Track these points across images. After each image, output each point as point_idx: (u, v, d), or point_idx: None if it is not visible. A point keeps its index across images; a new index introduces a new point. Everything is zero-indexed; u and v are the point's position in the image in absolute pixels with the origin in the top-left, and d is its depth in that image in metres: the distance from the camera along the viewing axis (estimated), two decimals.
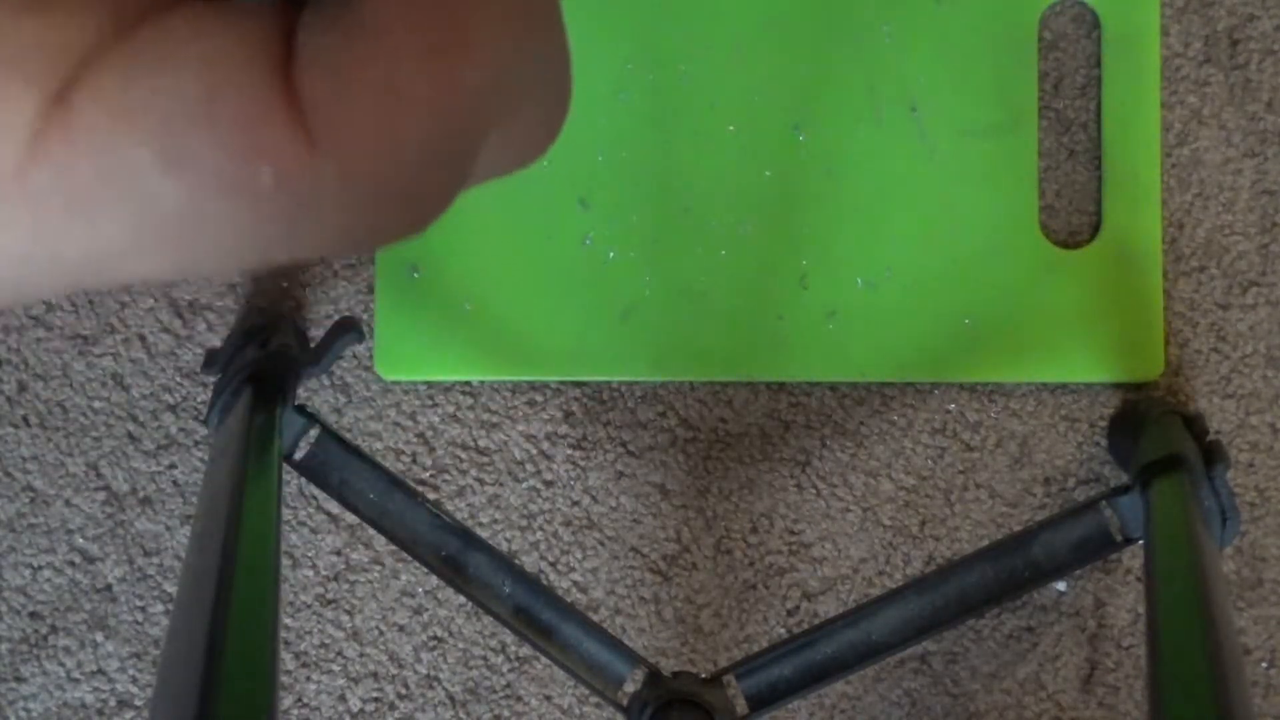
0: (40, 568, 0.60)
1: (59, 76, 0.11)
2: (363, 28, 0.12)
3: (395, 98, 0.12)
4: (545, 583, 0.59)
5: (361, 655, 0.60)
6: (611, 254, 0.58)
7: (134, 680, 0.60)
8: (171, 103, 0.12)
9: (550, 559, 0.60)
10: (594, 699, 0.59)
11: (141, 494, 0.60)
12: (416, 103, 0.12)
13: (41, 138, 0.12)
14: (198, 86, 0.12)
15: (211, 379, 0.58)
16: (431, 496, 0.59)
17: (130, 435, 0.60)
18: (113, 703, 0.60)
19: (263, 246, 0.13)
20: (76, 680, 0.60)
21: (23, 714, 0.60)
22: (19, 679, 0.60)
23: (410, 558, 0.54)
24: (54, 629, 0.60)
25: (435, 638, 0.60)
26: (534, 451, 0.60)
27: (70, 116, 0.12)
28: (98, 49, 0.12)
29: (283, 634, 0.60)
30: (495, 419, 0.60)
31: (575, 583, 0.60)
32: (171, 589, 0.60)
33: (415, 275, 0.58)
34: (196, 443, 0.60)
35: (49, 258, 0.12)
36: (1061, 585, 0.60)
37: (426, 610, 0.60)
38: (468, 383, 0.60)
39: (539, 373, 0.59)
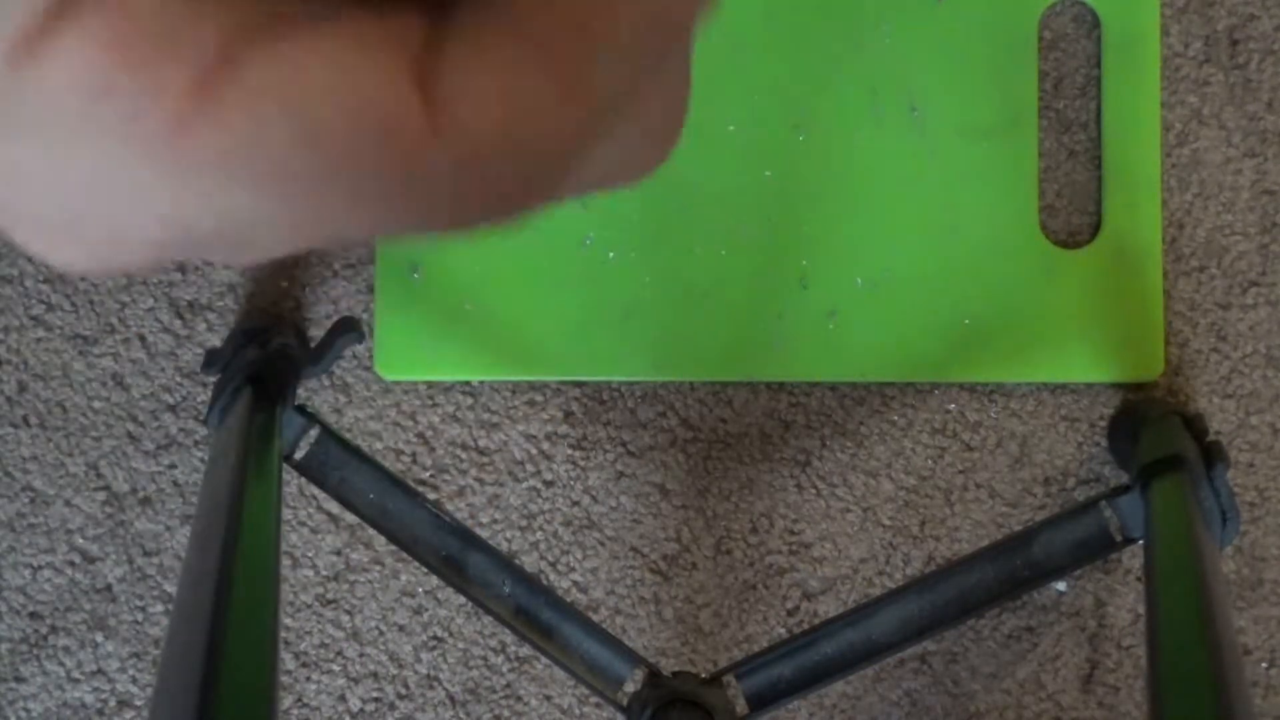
0: (40, 568, 0.60)
1: (209, 56, 0.13)
2: (505, 18, 0.13)
3: (521, 93, 0.13)
4: (545, 583, 0.59)
5: (361, 655, 0.60)
6: (611, 254, 0.58)
7: (134, 680, 0.60)
8: (311, 82, 0.13)
9: (550, 559, 0.60)
10: (594, 699, 0.59)
11: (141, 494, 0.60)
12: (541, 101, 0.13)
13: (190, 113, 0.12)
14: (335, 69, 0.13)
15: (211, 379, 0.58)
16: (431, 496, 0.59)
17: (130, 435, 0.60)
18: (113, 703, 0.60)
19: (378, 221, 0.13)
20: (76, 680, 0.60)
21: (23, 714, 0.60)
22: (19, 679, 0.60)
23: (410, 558, 0.54)
24: (54, 629, 0.60)
25: (435, 638, 0.60)
26: (534, 451, 0.60)
27: (220, 92, 0.13)
28: (244, 33, 0.13)
29: (283, 634, 0.60)
30: (495, 419, 0.60)
31: (575, 583, 0.60)
32: (171, 589, 0.60)
33: (415, 275, 0.58)
34: (196, 443, 0.60)
35: (188, 222, 0.13)
36: (1061, 585, 0.60)
37: (426, 610, 0.60)
38: (468, 383, 0.60)
39: (539, 373, 0.59)
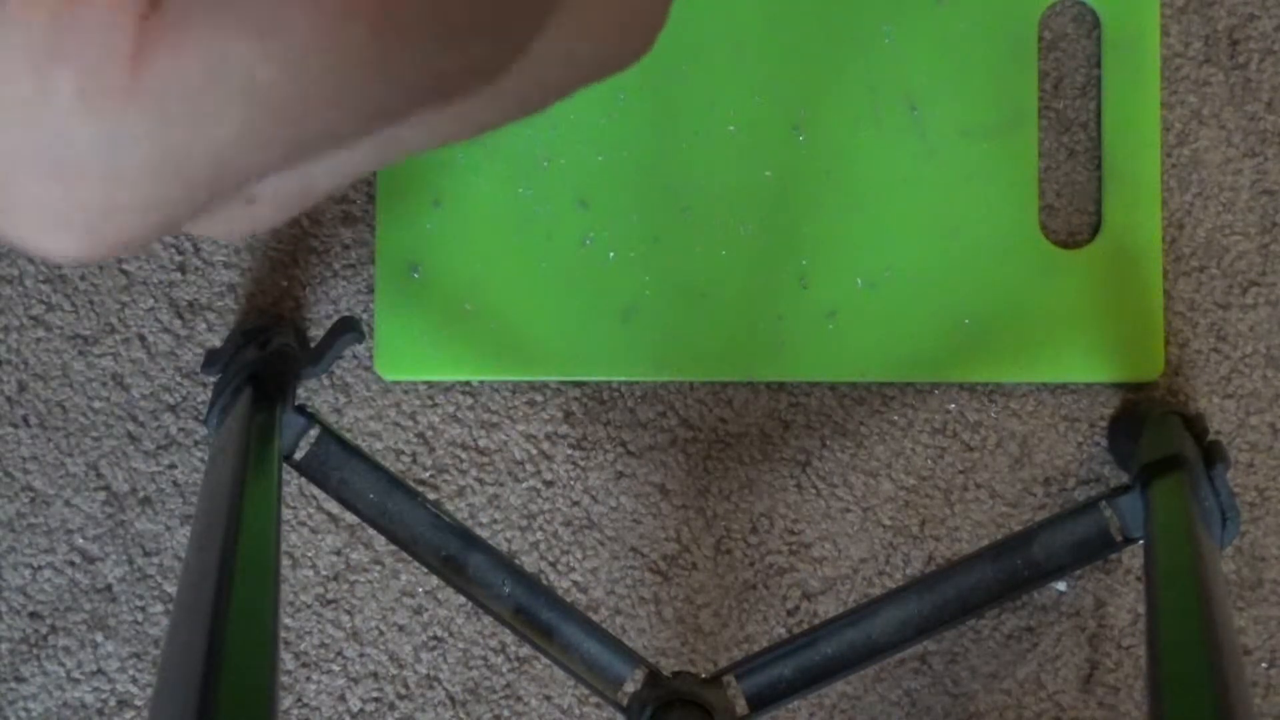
0: (40, 568, 0.60)
1: None
2: None
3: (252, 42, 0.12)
4: (545, 583, 0.59)
5: (361, 655, 0.60)
6: (611, 254, 0.58)
7: (134, 680, 0.60)
8: None
9: (550, 559, 0.60)
10: (594, 699, 0.59)
11: (141, 494, 0.60)
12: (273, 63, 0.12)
13: (144, 49, 0.12)
14: None
15: (211, 379, 0.58)
16: (431, 496, 0.59)
17: (130, 435, 0.60)
18: (113, 703, 0.60)
19: (365, 108, 0.13)
20: (76, 680, 0.60)
21: (23, 714, 0.60)
22: (19, 679, 0.60)
23: (410, 558, 0.54)
24: (54, 629, 0.60)
25: (435, 638, 0.60)
26: (534, 451, 0.60)
27: (168, 21, 0.12)
28: None
29: (283, 634, 0.60)
30: (495, 419, 0.60)
31: (575, 583, 0.60)
32: (171, 589, 0.60)
33: (415, 275, 0.58)
34: (196, 443, 0.60)
35: (175, 166, 0.12)
36: (1061, 585, 0.60)
37: (426, 610, 0.60)
38: (468, 383, 0.60)
39: (539, 373, 0.59)
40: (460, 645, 0.60)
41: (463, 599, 0.58)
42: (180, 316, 0.60)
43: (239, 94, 0.12)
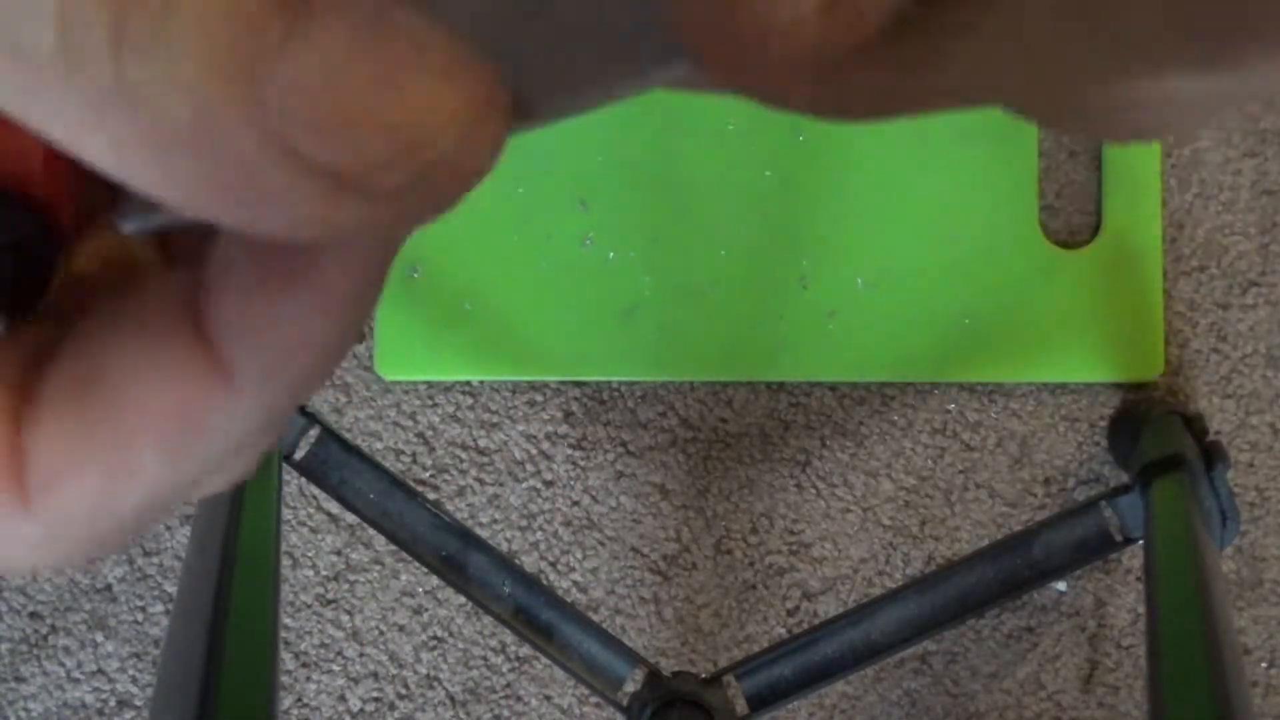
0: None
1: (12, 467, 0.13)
2: (102, 386, 0.12)
3: (125, 472, 0.13)
4: (545, 583, 0.59)
5: (361, 655, 0.60)
6: (611, 254, 0.58)
7: (134, 680, 0.60)
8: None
9: (550, 559, 0.60)
10: (594, 699, 0.59)
11: None
12: (145, 477, 0.13)
13: (30, 493, 0.13)
14: None
15: None
16: (431, 496, 0.59)
17: None
18: (113, 703, 0.60)
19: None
20: (76, 680, 0.60)
21: (23, 714, 0.60)
22: (19, 679, 0.60)
23: (410, 558, 0.54)
24: (54, 629, 0.60)
25: (435, 638, 0.60)
26: (534, 451, 0.60)
27: (31, 498, 0.13)
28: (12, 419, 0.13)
29: (283, 634, 0.60)
30: (495, 419, 0.60)
31: (575, 583, 0.60)
32: (171, 589, 0.60)
33: (415, 275, 0.58)
34: None
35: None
36: (1061, 585, 0.60)
37: (426, 610, 0.60)
38: (468, 383, 0.60)
39: (539, 373, 0.59)
40: (460, 645, 0.60)
41: (463, 599, 0.58)
42: None
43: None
